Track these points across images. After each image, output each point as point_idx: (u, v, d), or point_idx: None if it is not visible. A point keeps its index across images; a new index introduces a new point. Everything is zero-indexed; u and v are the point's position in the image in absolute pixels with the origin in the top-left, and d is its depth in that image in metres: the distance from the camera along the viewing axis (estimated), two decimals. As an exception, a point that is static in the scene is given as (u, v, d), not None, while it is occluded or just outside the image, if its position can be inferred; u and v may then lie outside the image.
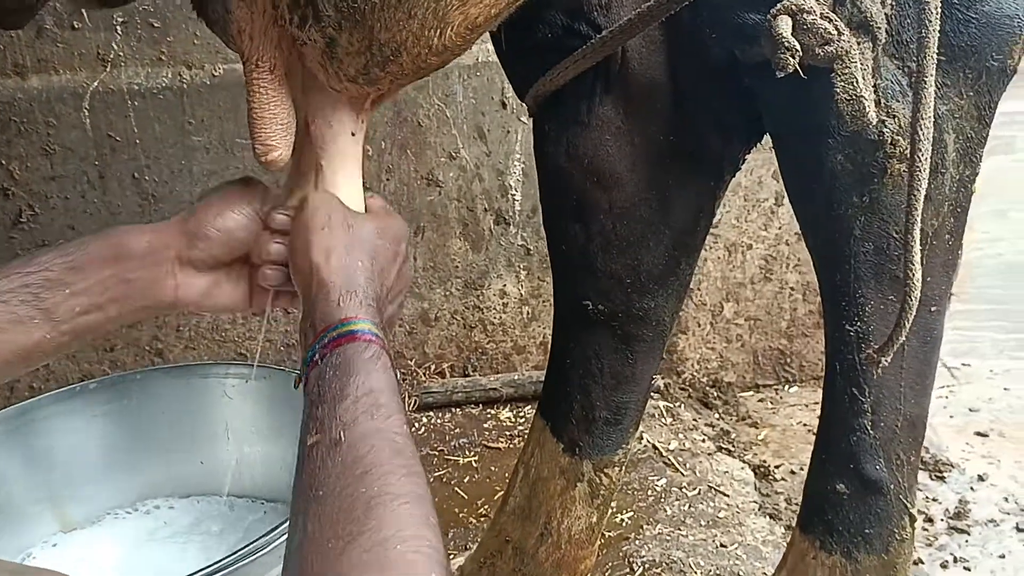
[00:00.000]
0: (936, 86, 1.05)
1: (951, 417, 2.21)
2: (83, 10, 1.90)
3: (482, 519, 1.84)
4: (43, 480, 1.39)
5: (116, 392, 1.44)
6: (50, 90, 1.97)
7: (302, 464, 0.69)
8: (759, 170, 2.22)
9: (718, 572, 1.66)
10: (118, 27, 1.95)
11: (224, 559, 1.01)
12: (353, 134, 0.96)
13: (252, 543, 1.05)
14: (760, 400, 2.34)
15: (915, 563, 1.68)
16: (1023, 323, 2.76)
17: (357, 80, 0.91)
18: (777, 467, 2.02)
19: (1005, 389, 2.34)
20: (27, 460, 1.37)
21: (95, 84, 1.97)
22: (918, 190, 0.99)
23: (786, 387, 2.38)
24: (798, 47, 0.88)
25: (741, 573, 1.65)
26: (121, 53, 1.97)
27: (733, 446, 2.11)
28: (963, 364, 2.49)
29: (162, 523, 1.41)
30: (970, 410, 2.24)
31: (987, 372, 2.44)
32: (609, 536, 1.77)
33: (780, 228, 2.29)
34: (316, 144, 0.96)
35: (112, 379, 1.45)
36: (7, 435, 1.35)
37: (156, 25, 1.96)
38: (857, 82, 0.95)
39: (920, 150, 0.98)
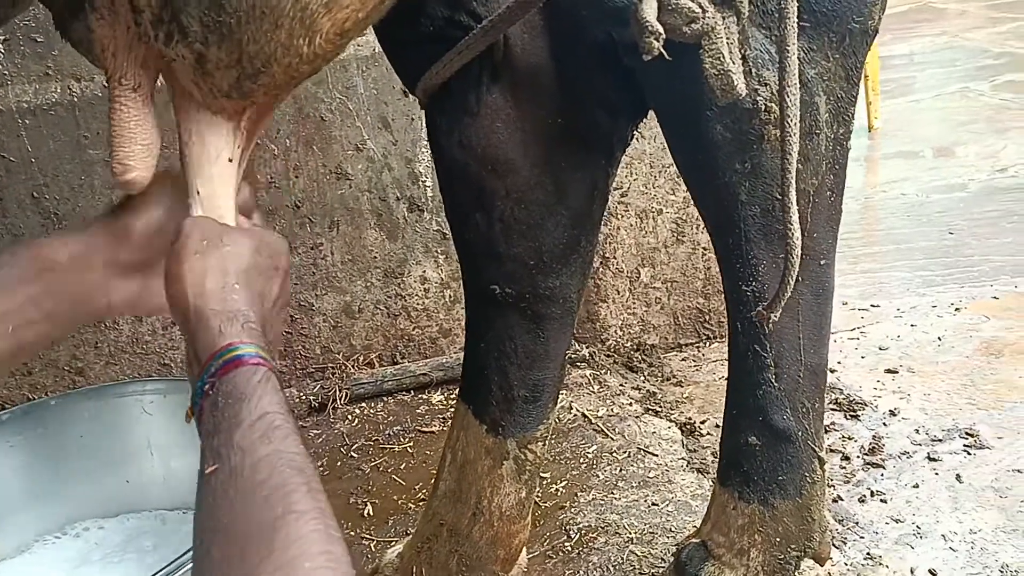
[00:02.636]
0: (803, 51, 1.10)
1: (862, 357, 2.31)
2: (-40, 30, 1.85)
3: (420, 504, 1.87)
4: (-34, 516, 1.37)
5: (31, 420, 1.42)
6: (-65, 114, 1.91)
7: (203, 494, 0.69)
8: (663, 137, 2.27)
9: (651, 530, 1.72)
10: (0, 45, 1.89)
11: (160, 570, 1.02)
12: (230, 160, 0.95)
13: (186, 552, 1.06)
14: (683, 359, 2.41)
15: (834, 500, 1.77)
16: (927, 260, 2.88)
17: (231, 95, 0.91)
18: (703, 423, 2.09)
19: (912, 326, 2.44)
20: (-56, 497, 1.36)
21: (-19, 105, 1.92)
22: (790, 153, 1.03)
23: (707, 344, 2.46)
24: (662, 30, 0.91)
25: (672, 528, 1.71)
26: (6, 71, 1.92)
27: (660, 406, 2.18)
28: (872, 305, 2.59)
29: (93, 544, 1.40)
30: (880, 349, 2.34)
31: (894, 311, 2.54)
32: (545, 506, 1.82)
33: (688, 191, 2.35)
34: (193, 168, 0.95)
35: (25, 408, 1.43)
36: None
37: (40, 40, 1.91)
38: (724, 57, 0.98)
39: (789, 115, 1.02)
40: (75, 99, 1.96)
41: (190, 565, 1.03)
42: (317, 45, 0.90)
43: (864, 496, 1.78)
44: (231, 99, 0.94)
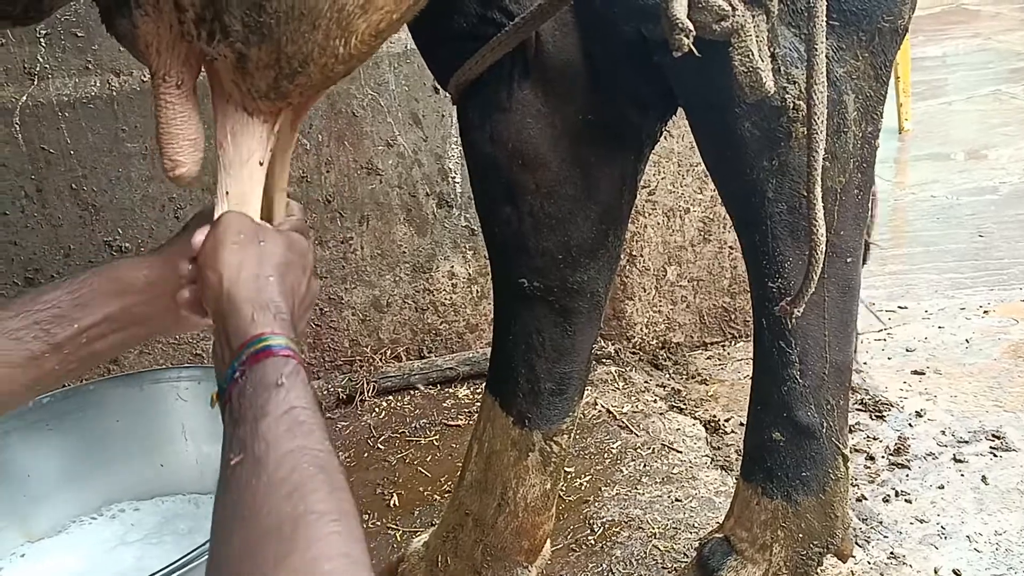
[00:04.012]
0: (832, 50, 1.11)
1: (889, 359, 2.30)
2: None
3: (446, 495, 1.89)
4: (5, 494, 1.41)
5: (69, 405, 1.46)
6: (-22, 107, 1.96)
7: (226, 484, 0.69)
8: (691, 136, 2.28)
9: (674, 525, 1.73)
10: (42, 40, 1.94)
11: (196, 549, 1.05)
12: (261, 163, 0.98)
13: (206, 543, 1.08)
14: (708, 358, 2.42)
15: (859, 499, 1.77)
16: (956, 263, 2.86)
17: (269, 95, 0.93)
18: (727, 421, 2.10)
19: (939, 328, 2.43)
20: (-12, 477, 1.40)
21: (24, 98, 1.96)
22: (817, 150, 1.04)
23: (733, 343, 2.46)
24: (691, 28, 0.92)
25: (695, 524, 1.72)
26: (47, 65, 1.96)
27: (684, 404, 2.19)
28: (899, 307, 2.58)
29: (129, 525, 1.44)
30: (907, 350, 2.34)
31: (922, 313, 2.54)
32: (569, 500, 1.84)
33: (715, 190, 2.35)
34: (224, 168, 0.97)
35: (64, 392, 1.47)
36: (-32, 456, 1.37)
37: (80, 35, 1.96)
38: (753, 54, 1.00)
39: (816, 112, 1.03)
40: (114, 93, 2.00)
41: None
42: (352, 46, 0.92)
43: (888, 496, 1.78)
44: (269, 100, 0.96)
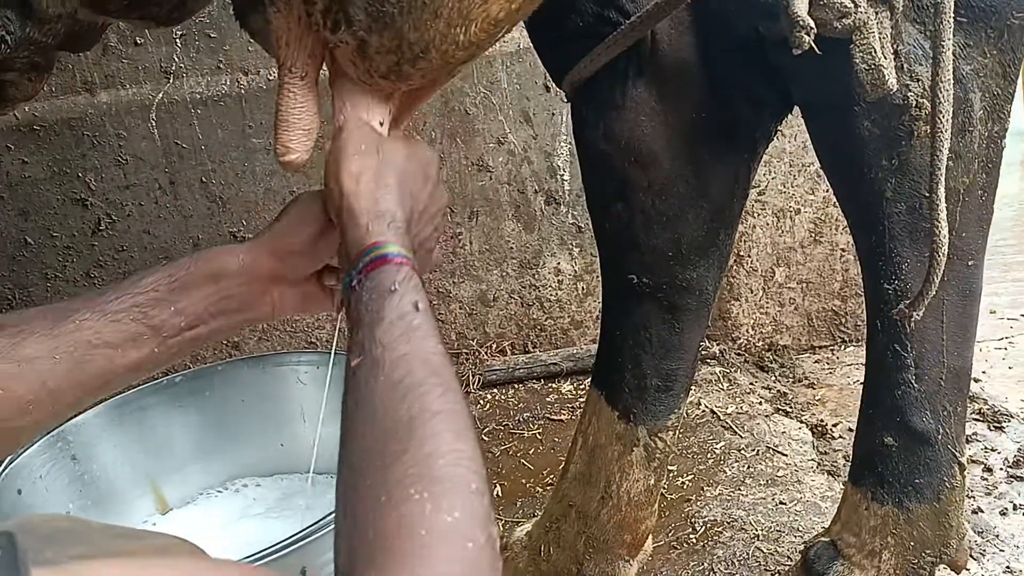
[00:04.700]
0: (959, 47, 1.08)
1: (1009, 368, 2.21)
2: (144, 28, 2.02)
3: (548, 488, 1.92)
4: (141, 466, 1.51)
5: (200, 384, 1.55)
6: (118, 104, 2.09)
7: (351, 384, 0.73)
8: (803, 135, 2.24)
9: (778, 528, 1.71)
10: (178, 40, 2.06)
11: (312, 525, 1.11)
12: (381, 123, 1.00)
13: (329, 515, 1.14)
14: (816, 361, 2.37)
15: (975, 511, 1.71)
16: (1085, 270, 2.72)
17: (388, 77, 0.96)
18: (835, 425, 2.06)
19: (1065, 338, 2.33)
20: (127, 449, 1.50)
21: (160, 96, 2.09)
22: (941, 149, 1.02)
23: (842, 347, 2.41)
24: (813, 25, 0.92)
25: (800, 528, 1.70)
26: (182, 65, 2.08)
27: (790, 407, 2.15)
28: (1021, 315, 2.47)
29: (252, 500, 1.52)
30: (1030, 360, 2.24)
31: (1047, 322, 2.43)
32: (671, 498, 1.84)
33: (827, 191, 2.31)
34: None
35: (196, 372, 1.57)
36: (109, 426, 1.48)
37: (213, 36, 2.07)
38: (875, 51, 0.99)
39: (941, 111, 1.01)
40: (242, 91, 2.11)
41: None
42: (472, 33, 0.95)
43: (1006, 509, 1.72)
44: (388, 80, 1.00)
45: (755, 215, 2.30)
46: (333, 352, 1.64)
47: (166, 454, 1.53)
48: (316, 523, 1.12)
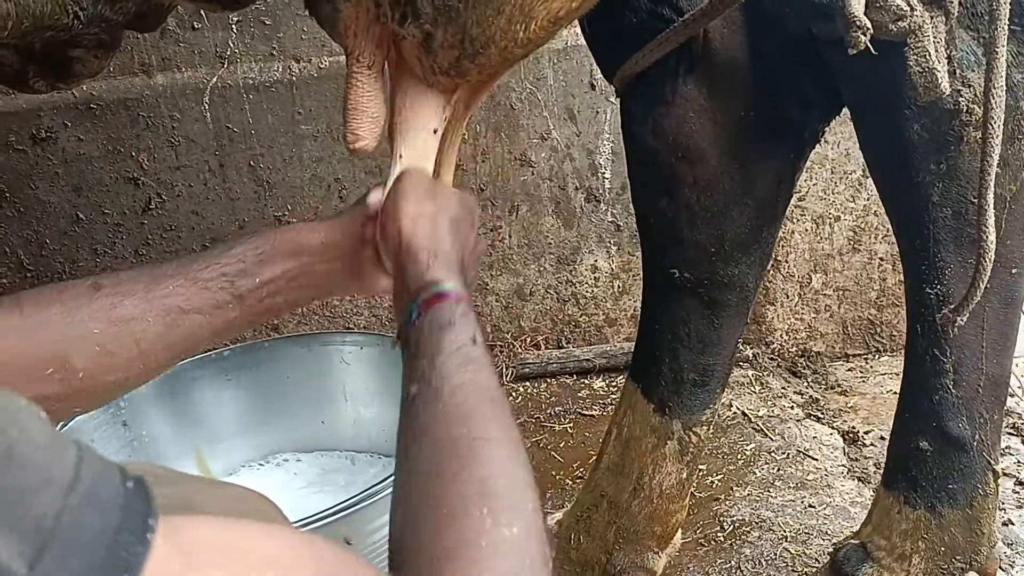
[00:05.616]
0: (1011, 55, 1.09)
1: (1047, 384, 2.20)
2: (202, 11, 2.07)
3: (577, 481, 1.94)
4: (188, 436, 1.55)
5: (247, 359, 1.60)
6: (174, 86, 2.14)
7: (406, 411, 0.77)
8: (846, 142, 2.24)
9: (806, 530, 1.72)
10: (233, 26, 2.10)
11: (351, 498, 1.14)
12: (435, 131, 1.04)
13: (372, 487, 1.18)
14: (849, 369, 2.37)
15: (1005, 524, 1.71)
16: None
17: (449, 72, 1.00)
18: (867, 433, 2.06)
19: (1106, 357, 2.30)
20: (174, 419, 1.55)
21: (214, 80, 2.13)
22: (991, 155, 1.03)
23: (876, 356, 2.40)
24: (869, 25, 0.94)
25: (828, 532, 1.71)
26: (237, 50, 2.12)
27: (822, 413, 2.16)
28: (1061, 332, 2.45)
29: (292, 474, 1.56)
30: (1067, 377, 2.22)
31: (1087, 340, 2.40)
32: (700, 497, 1.85)
33: (868, 199, 2.31)
34: (400, 133, 1.04)
35: (243, 347, 1.61)
36: (159, 395, 1.52)
37: (268, 23, 2.11)
38: (930, 55, 1.00)
39: (993, 117, 1.02)
40: (293, 78, 2.15)
41: (381, 495, 1.15)
42: (531, 31, 0.98)
43: (1037, 523, 1.71)
44: (448, 76, 1.03)
45: (794, 220, 2.31)
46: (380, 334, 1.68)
47: (212, 425, 1.58)
48: (361, 493, 1.15)
